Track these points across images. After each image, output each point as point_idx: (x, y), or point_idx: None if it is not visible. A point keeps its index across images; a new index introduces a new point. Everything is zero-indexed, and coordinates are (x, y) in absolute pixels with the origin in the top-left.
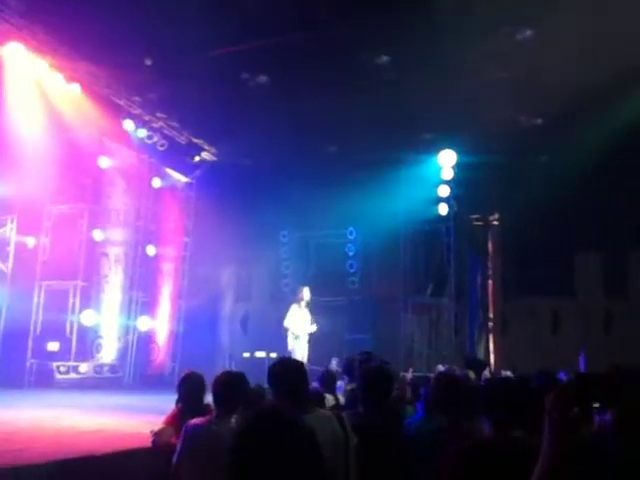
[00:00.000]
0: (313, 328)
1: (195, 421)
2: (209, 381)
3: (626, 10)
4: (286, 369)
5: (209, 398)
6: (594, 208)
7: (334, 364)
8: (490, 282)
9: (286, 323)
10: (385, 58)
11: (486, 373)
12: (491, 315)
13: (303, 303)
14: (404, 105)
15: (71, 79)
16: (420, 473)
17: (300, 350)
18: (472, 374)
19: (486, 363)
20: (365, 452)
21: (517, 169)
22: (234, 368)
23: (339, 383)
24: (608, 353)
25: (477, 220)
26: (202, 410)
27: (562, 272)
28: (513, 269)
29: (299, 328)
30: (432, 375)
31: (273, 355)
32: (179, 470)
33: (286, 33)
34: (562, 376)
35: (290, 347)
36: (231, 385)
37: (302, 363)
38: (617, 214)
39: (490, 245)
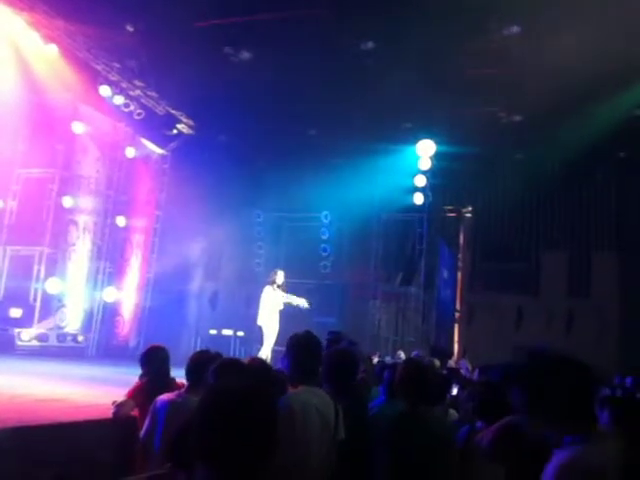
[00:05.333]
0: (306, 304)
1: (164, 397)
2: (174, 356)
3: (610, 13)
4: (300, 343)
5: (174, 372)
6: (562, 209)
7: None
8: (459, 274)
9: (261, 304)
10: (370, 44)
11: (451, 362)
12: (458, 306)
13: (275, 285)
14: (387, 93)
15: (48, 39)
16: (379, 455)
17: (272, 329)
18: (437, 362)
19: (451, 353)
20: None
21: (493, 164)
22: (200, 344)
23: None
24: (569, 351)
25: (450, 212)
26: (167, 384)
27: (528, 269)
28: (481, 263)
29: (273, 309)
30: (393, 361)
31: (240, 333)
32: (147, 445)
33: (274, 11)
34: None
35: (260, 324)
36: (206, 364)
37: (318, 341)
38: (583, 216)
39: (461, 237)
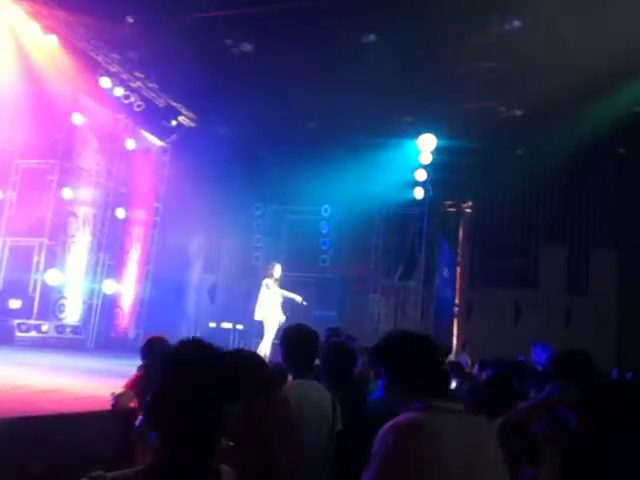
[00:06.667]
0: (300, 300)
1: None
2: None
3: (612, 8)
4: (293, 336)
5: None
6: (562, 204)
7: None
8: (458, 269)
9: (259, 298)
10: (371, 37)
11: (450, 357)
12: (457, 301)
13: (273, 279)
14: (388, 86)
15: (48, 30)
16: None
17: (274, 323)
18: None
19: (450, 348)
20: None
21: (493, 159)
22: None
23: None
24: (567, 346)
25: (450, 206)
26: None
27: (527, 265)
28: (481, 258)
29: (272, 302)
30: None
31: (239, 327)
32: (143, 433)
33: (275, 2)
34: (520, 359)
35: (258, 318)
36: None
37: (315, 333)
38: (582, 212)
39: (461, 232)
